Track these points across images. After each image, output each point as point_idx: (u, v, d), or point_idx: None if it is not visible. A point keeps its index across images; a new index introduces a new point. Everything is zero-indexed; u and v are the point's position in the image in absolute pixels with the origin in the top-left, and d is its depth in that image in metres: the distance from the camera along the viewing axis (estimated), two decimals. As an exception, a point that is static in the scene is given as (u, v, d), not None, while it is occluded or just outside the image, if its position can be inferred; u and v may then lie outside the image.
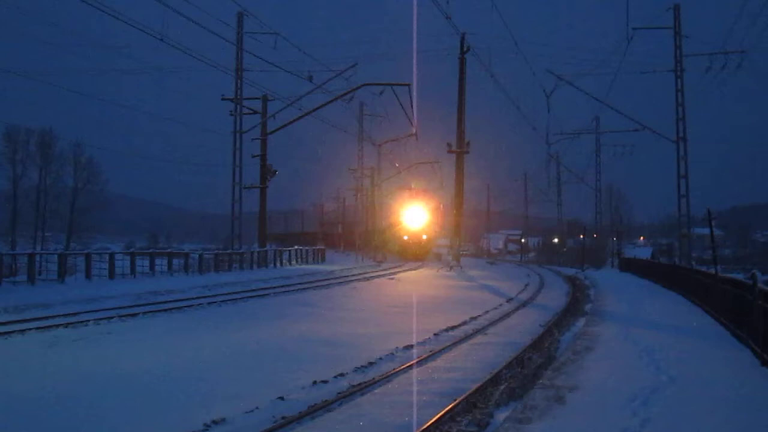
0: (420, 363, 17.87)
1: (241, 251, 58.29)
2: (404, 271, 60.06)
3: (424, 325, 24.54)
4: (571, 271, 72.23)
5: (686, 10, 57.41)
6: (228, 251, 58.42)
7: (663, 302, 35.44)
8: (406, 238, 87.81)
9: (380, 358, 17.98)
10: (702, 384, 15.05)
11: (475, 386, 14.91)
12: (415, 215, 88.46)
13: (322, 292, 38.41)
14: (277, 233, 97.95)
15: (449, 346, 20.84)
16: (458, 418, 12.92)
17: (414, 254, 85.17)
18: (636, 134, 67.15)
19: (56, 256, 41.91)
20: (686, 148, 56.32)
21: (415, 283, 46.63)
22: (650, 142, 65.81)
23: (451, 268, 60.45)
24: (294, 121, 60.92)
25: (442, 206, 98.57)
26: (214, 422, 12.02)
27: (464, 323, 26.10)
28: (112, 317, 25.05)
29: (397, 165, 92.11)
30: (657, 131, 59.55)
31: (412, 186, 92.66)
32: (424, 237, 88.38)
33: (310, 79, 56.85)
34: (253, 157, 61.23)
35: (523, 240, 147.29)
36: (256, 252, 60.40)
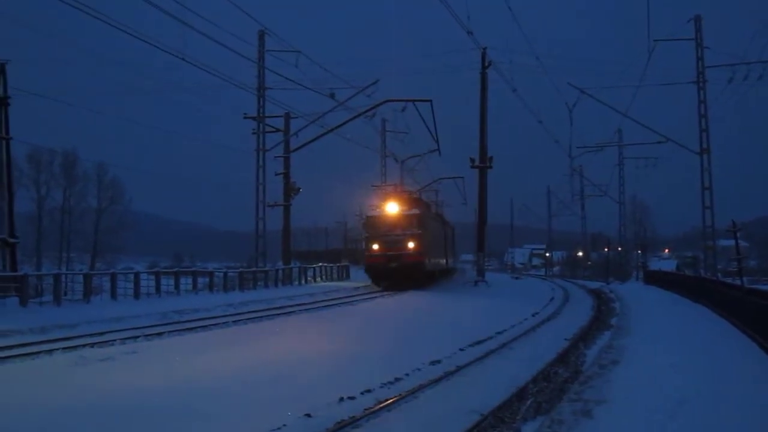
0: (446, 378, 17.84)
1: (265, 269, 58.33)
2: (442, 282, 59.98)
3: (449, 340, 24.45)
4: (595, 285, 71.87)
5: (707, 22, 57.36)
6: (252, 269, 58.45)
7: (689, 315, 35.33)
8: (375, 247, 55.09)
9: (407, 374, 17.90)
10: (730, 397, 14.98)
11: (501, 401, 14.86)
12: (396, 216, 55.69)
13: (347, 308, 38.35)
14: (301, 250, 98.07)
15: (475, 360, 20.78)
16: (485, 433, 12.89)
17: (388, 274, 54.75)
18: (659, 146, 66.92)
19: (81, 276, 42.00)
20: (710, 159, 56.26)
21: (440, 298, 46.44)
22: (674, 154, 65.68)
23: (475, 282, 60.30)
24: (317, 138, 60.97)
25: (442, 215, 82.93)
26: (241, 441, 12.04)
27: (490, 338, 26.01)
28: (137, 337, 25.08)
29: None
30: (680, 143, 59.44)
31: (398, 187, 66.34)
32: (411, 246, 54.35)
33: (332, 96, 57.04)
34: (277, 174, 61.30)
35: (547, 254, 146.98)
36: (280, 269, 60.31)
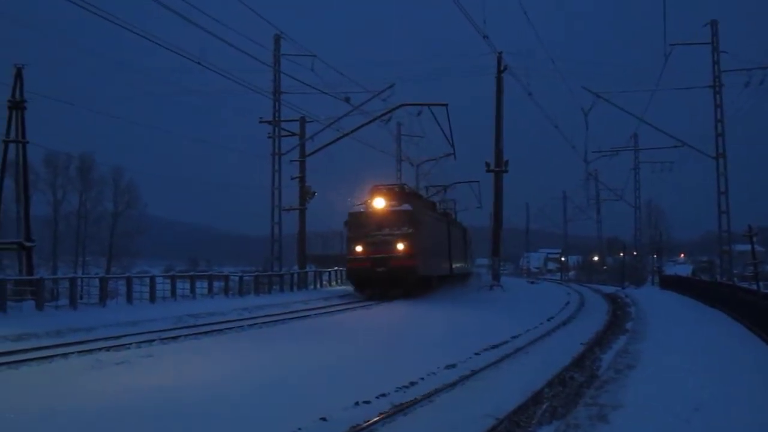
0: (461, 382, 17.81)
1: (281, 273, 58.28)
2: (445, 289, 59.63)
3: (464, 344, 24.40)
4: (611, 289, 71.71)
5: (724, 26, 57.34)
6: (268, 273, 58.39)
7: (705, 319, 35.26)
8: (359, 249, 48.43)
9: (422, 378, 17.88)
10: (746, 402, 14.97)
11: (516, 405, 14.84)
12: (383, 213, 48.91)
13: (362, 312, 38.37)
14: (317, 254, 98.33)
15: (490, 365, 20.74)
16: (501, 438, 12.88)
17: (374, 281, 48.05)
18: (675, 151, 66.84)
19: (97, 280, 42.15)
20: (726, 164, 56.14)
21: (456, 301, 46.38)
22: (690, 158, 65.66)
23: (491, 287, 60.12)
24: (332, 142, 60.89)
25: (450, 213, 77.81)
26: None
27: (505, 342, 25.96)
28: (153, 340, 25.07)
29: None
30: (696, 147, 59.36)
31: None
32: (400, 247, 47.60)
33: (348, 100, 57.07)
34: (292, 179, 61.24)
35: (562, 258, 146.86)
36: (295, 273, 60.34)
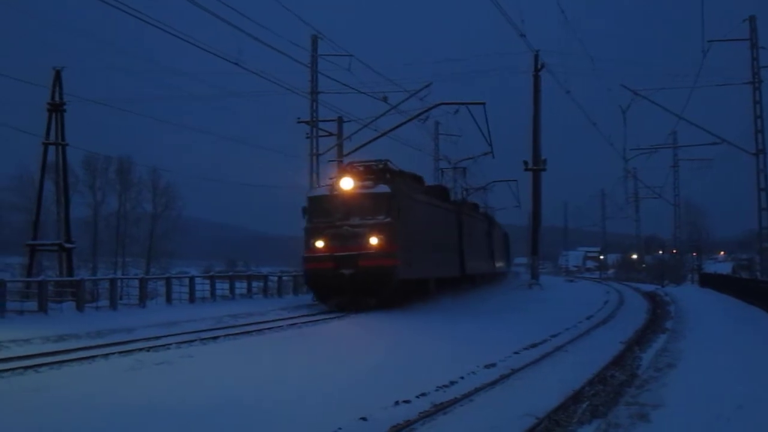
0: (501, 381, 17.76)
1: (319, 273, 58.38)
2: (484, 286, 59.28)
3: (503, 343, 24.35)
4: (650, 288, 71.22)
5: (762, 21, 56.83)
6: (306, 273, 58.46)
7: (745, 318, 35.01)
8: (320, 245, 37.40)
9: (462, 377, 17.82)
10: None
11: (557, 404, 14.78)
12: (352, 196, 37.68)
13: (398, 313, 38.08)
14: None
15: (530, 364, 20.66)
16: (541, 437, 12.83)
17: (340, 285, 36.69)
18: (714, 148, 66.39)
19: (137, 281, 42.44)
20: (766, 160, 55.62)
21: (495, 299, 46.29)
22: (729, 155, 65.23)
23: (530, 285, 59.97)
24: (370, 142, 60.53)
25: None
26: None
27: (544, 341, 25.86)
28: (193, 341, 25.13)
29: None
30: (736, 144, 58.90)
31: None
32: (374, 242, 36.64)
33: (385, 99, 56.90)
34: (330, 179, 61.15)
35: (601, 257, 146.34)
36: (334, 273, 60.25)
